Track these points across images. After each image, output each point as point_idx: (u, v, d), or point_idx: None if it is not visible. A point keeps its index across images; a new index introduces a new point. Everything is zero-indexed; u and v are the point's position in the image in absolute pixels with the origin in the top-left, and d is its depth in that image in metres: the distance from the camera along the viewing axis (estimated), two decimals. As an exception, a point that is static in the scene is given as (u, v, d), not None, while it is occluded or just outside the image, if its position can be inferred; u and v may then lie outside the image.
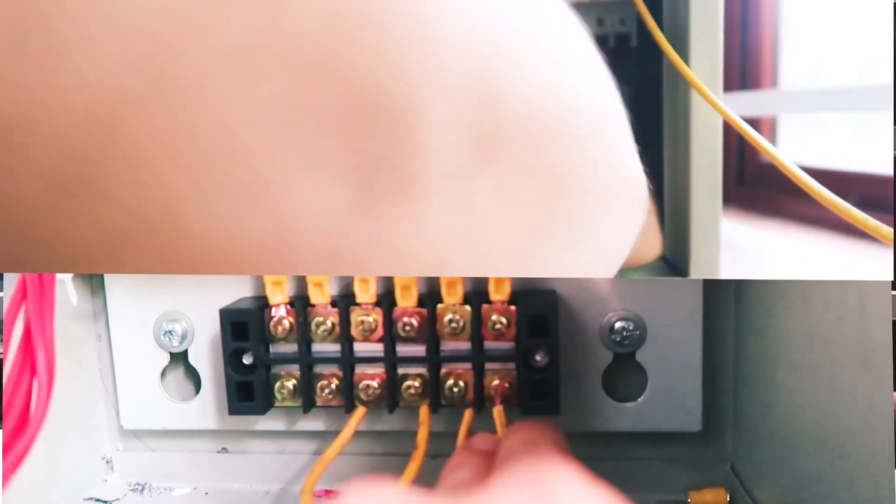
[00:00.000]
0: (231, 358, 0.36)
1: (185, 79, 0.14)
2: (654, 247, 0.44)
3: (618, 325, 0.37)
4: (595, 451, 0.39)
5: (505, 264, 0.19)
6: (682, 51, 0.38)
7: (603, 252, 0.22)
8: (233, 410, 0.37)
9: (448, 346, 0.36)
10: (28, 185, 0.14)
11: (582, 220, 0.21)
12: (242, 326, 0.36)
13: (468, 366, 0.36)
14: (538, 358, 0.35)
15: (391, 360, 0.36)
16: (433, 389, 0.36)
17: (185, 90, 0.14)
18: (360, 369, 0.36)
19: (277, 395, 0.36)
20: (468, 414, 0.35)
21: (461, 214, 0.18)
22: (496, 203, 0.18)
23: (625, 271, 0.42)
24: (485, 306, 0.35)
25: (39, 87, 0.14)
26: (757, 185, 0.70)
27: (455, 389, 0.36)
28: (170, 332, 0.39)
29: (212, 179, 0.15)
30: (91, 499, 0.39)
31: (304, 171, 0.15)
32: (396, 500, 0.19)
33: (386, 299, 0.35)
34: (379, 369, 0.36)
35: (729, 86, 0.42)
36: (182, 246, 0.15)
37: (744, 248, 0.58)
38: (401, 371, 0.36)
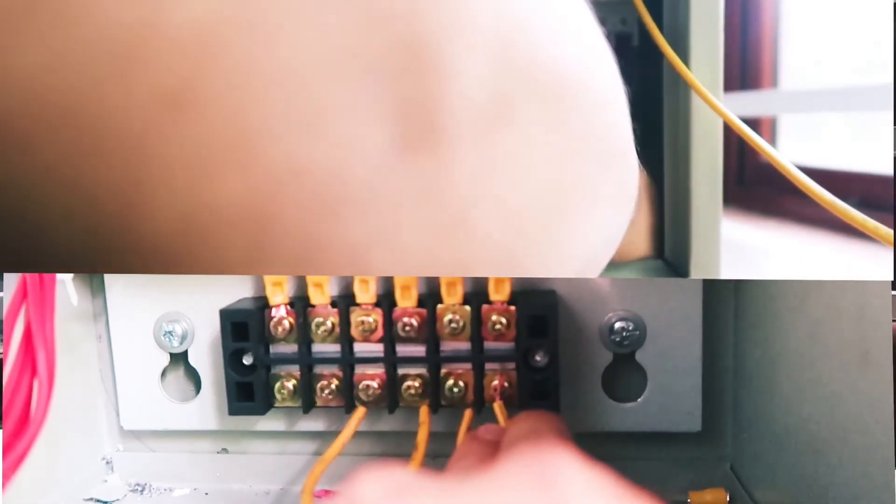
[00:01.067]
0: (231, 358, 0.36)
1: (264, 16, 0.16)
2: (642, 242, 0.44)
3: (617, 325, 0.37)
4: (595, 452, 0.39)
5: (519, 225, 0.20)
6: (682, 51, 0.39)
7: (596, 237, 0.23)
8: (233, 411, 0.37)
9: (448, 346, 0.36)
10: (139, 97, 0.16)
11: (586, 187, 0.22)
12: (242, 327, 0.36)
13: (468, 366, 0.36)
14: (538, 358, 0.35)
15: (391, 361, 0.36)
16: (433, 390, 0.36)
17: (263, 26, 0.16)
18: (360, 369, 0.36)
19: (277, 396, 0.36)
20: (468, 414, 0.35)
21: (483, 168, 0.19)
22: (513, 159, 0.20)
23: (616, 267, 0.42)
24: (485, 306, 0.35)
25: (153, 13, 0.15)
26: (757, 185, 0.70)
27: (455, 390, 0.36)
28: (170, 332, 0.39)
29: (279, 109, 0.16)
30: (91, 499, 0.39)
31: (352, 109, 0.17)
32: (406, 482, 0.19)
33: (386, 299, 0.35)
34: (379, 369, 0.36)
35: (729, 86, 0.42)
36: (252, 173, 0.16)
37: (744, 248, 0.59)
38: (401, 371, 0.36)
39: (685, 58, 0.38)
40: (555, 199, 0.21)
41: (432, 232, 0.19)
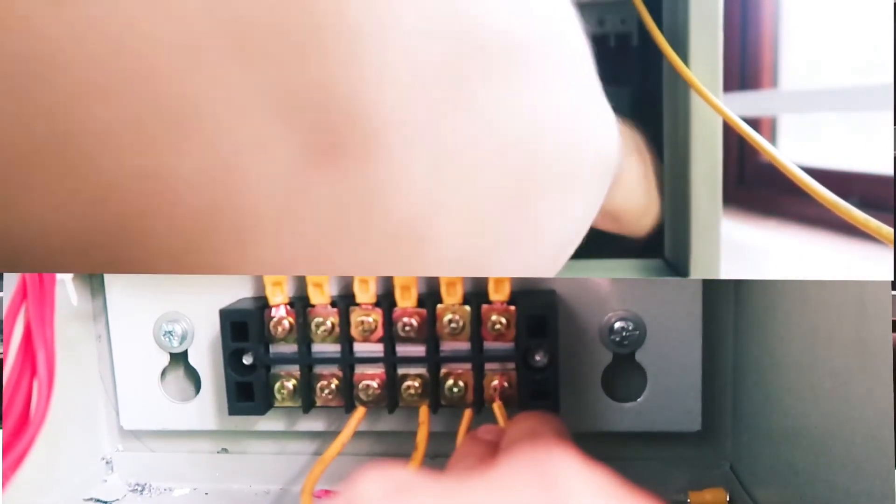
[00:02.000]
0: (231, 358, 0.36)
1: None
2: (651, 212, 0.43)
3: (617, 325, 0.37)
4: (595, 452, 0.39)
5: (482, 220, 0.18)
6: (682, 51, 0.38)
7: (564, 224, 0.22)
8: (233, 411, 0.37)
9: (448, 346, 0.36)
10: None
11: (552, 170, 0.20)
12: (242, 327, 0.36)
13: (468, 366, 0.36)
14: (538, 358, 0.35)
15: (391, 361, 0.36)
16: (433, 390, 0.36)
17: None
18: (359, 369, 0.36)
19: (277, 396, 0.36)
20: (468, 414, 0.35)
21: (436, 162, 0.16)
22: (470, 146, 0.17)
23: (619, 267, 0.42)
24: (484, 306, 0.35)
25: None
26: (757, 185, 0.70)
27: (455, 390, 0.36)
28: (170, 332, 0.39)
29: (136, 105, 0.13)
30: (91, 499, 0.39)
31: (239, 108, 0.13)
32: (406, 482, 0.19)
33: (386, 299, 0.35)
34: (379, 369, 0.36)
35: (729, 86, 0.42)
36: (100, 188, 0.13)
37: (744, 248, 0.58)
38: (401, 371, 0.36)
39: (685, 58, 0.38)
40: (519, 188, 0.18)
41: (380, 240, 0.16)
